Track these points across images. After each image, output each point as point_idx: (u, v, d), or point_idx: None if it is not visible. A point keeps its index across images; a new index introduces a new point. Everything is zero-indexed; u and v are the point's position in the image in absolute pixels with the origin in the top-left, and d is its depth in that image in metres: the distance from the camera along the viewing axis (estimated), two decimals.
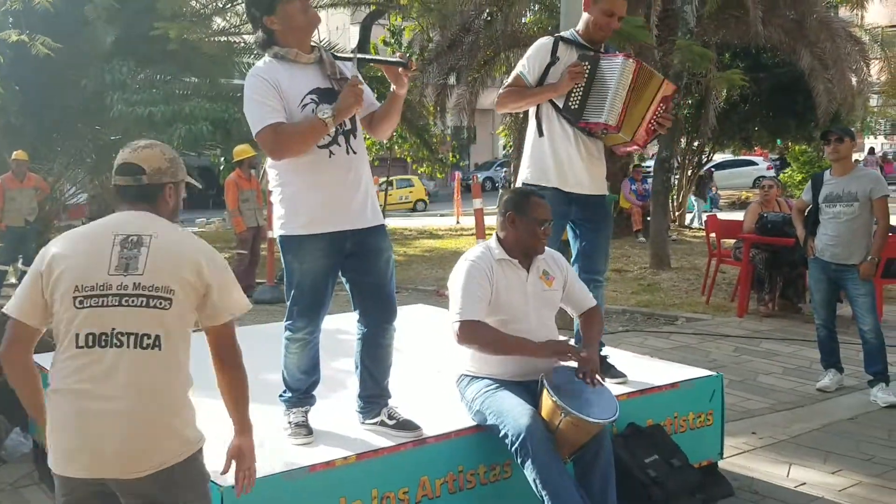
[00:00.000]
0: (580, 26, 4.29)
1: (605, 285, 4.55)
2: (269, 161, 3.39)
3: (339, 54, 3.47)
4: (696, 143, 16.97)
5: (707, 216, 11.14)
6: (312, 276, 3.41)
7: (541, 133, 4.28)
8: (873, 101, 22.58)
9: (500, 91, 4.42)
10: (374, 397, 3.62)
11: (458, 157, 22.01)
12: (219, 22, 14.36)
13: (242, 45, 14.42)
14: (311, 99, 3.25)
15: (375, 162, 21.90)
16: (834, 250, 5.80)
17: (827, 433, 5.14)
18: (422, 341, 5.16)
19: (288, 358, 3.57)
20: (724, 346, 7.20)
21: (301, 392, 3.62)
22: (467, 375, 3.77)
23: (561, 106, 4.18)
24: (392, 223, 20.25)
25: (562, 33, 4.43)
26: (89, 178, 14.42)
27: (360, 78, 3.26)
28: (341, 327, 4.98)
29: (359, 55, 3.42)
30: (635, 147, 4.37)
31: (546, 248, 3.83)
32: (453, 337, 3.64)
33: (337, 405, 3.88)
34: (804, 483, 4.36)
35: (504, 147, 29.96)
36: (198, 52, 12.94)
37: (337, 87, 3.27)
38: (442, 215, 25.47)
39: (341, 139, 3.32)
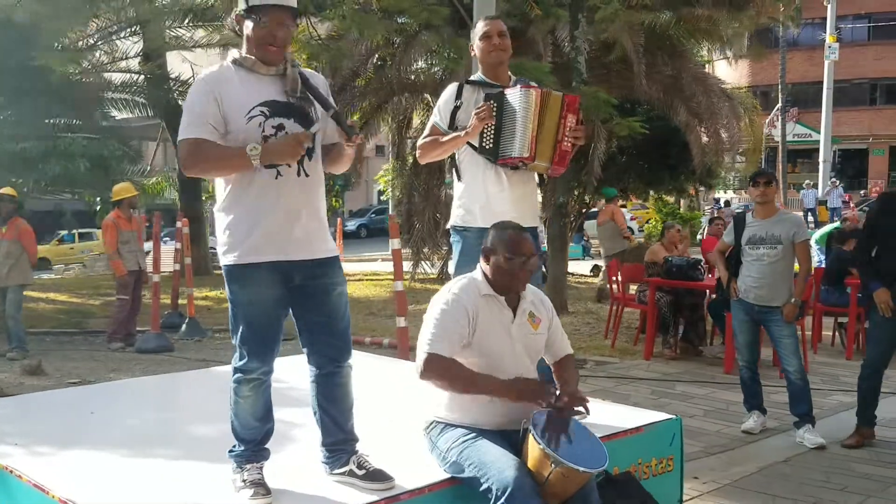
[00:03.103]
0: (480, 67, 4.26)
1: None
2: (217, 182, 3.09)
3: (315, 88, 3.10)
4: (576, 193, 17.20)
5: (611, 261, 11.18)
6: (259, 310, 3.05)
7: (459, 178, 4.24)
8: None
9: (420, 142, 4.30)
10: (339, 444, 3.23)
11: (340, 201, 21.50)
12: (97, 56, 13.55)
13: (114, 80, 13.77)
14: (261, 111, 2.96)
15: None
16: (758, 292, 5.77)
17: (766, 476, 5.03)
18: (367, 389, 4.76)
19: (240, 405, 3.14)
20: (642, 390, 7.08)
21: (255, 444, 3.18)
22: (440, 422, 3.38)
23: (478, 147, 4.08)
24: None
25: (471, 77, 4.34)
26: None
27: (312, 135, 3.01)
28: (280, 375, 4.52)
29: (333, 109, 3.09)
30: (560, 169, 4.19)
31: (531, 287, 3.53)
32: (416, 369, 3.26)
33: (292, 457, 3.46)
34: None
35: (382, 193, 29.79)
36: (74, 86, 12.15)
37: (294, 102, 3.00)
38: None
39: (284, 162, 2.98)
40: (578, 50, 10.41)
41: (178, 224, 10.56)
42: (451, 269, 4.30)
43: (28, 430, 4.03)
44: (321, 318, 3.14)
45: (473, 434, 3.25)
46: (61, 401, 4.93)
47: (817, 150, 32.23)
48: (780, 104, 34.02)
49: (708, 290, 8.39)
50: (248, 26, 3.00)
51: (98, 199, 13.53)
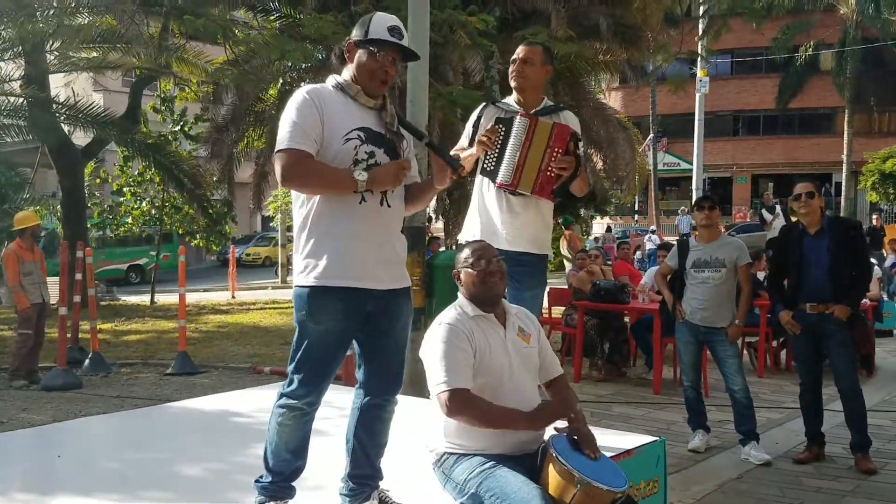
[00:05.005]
0: None
1: None
2: (299, 201, 3.00)
3: (410, 124, 3.23)
4: None
5: None
6: (325, 338, 2.95)
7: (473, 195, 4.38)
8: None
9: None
10: (365, 478, 3.14)
11: (233, 229, 20.91)
12: None
13: (9, 103, 12.95)
14: (358, 135, 2.93)
15: (144, 233, 20.36)
16: (703, 314, 5.93)
17: (726, 494, 5.13)
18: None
19: (278, 432, 3.01)
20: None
21: (283, 478, 3.05)
22: (453, 454, 3.25)
23: (482, 168, 4.21)
24: (161, 299, 18.79)
25: (504, 99, 4.43)
26: None
27: (414, 160, 3.11)
28: None
29: (429, 139, 3.22)
30: (541, 195, 4.17)
31: (515, 305, 3.52)
32: (441, 408, 3.15)
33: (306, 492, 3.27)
34: None
35: (271, 220, 29.20)
36: None
37: (388, 136, 3.01)
38: (206, 290, 24.11)
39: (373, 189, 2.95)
40: (493, 79, 10.50)
41: (80, 253, 9.98)
42: None
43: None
44: (387, 346, 3.13)
45: (491, 463, 3.15)
46: (19, 444, 4.55)
47: (685, 178, 33.74)
48: (651, 135, 35.47)
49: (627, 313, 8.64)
50: (362, 56, 3.01)
51: None
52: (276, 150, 2.90)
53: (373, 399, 3.14)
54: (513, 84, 4.25)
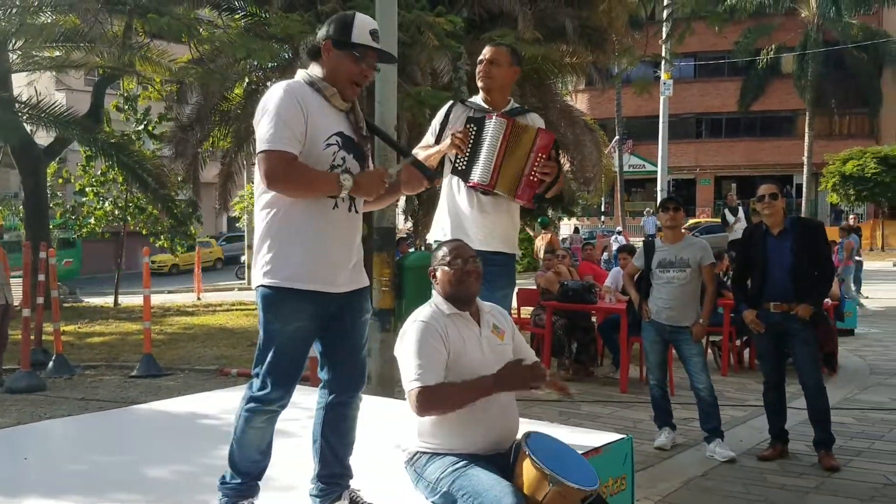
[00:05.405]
0: None
1: None
2: (264, 200, 2.94)
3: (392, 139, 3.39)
4: None
5: None
6: (295, 339, 2.93)
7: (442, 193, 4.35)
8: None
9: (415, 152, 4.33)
10: (335, 477, 3.12)
11: (199, 229, 20.70)
12: None
13: None
14: (336, 140, 2.90)
15: (106, 235, 20.09)
16: (669, 313, 5.99)
17: (692, 491, 5.18)
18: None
19: (249, 434, 2.97)
20: (550, 411, 7.14)
21: (252, 478, 3.02)
22: (425, 453, 3.26)
23: (453, 167, 4.17)
24: (125, 300, 18.57)
25: (469, 98, 4.43)
26: None
27: (392, 172, 3.10)
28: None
29: (413, 158, 3.23)
30: (522, 199, 4.20)
31: (489, 303, 3.54)
32: (411, 405, 3.16)
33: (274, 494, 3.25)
34: None
35: (237, 221, 28.96)
36: None
37: (357, 140, 2.99)
38: (170, 292, 23.87)
39: (347, 195, 2.95)
40: (461, 80, 10.51)
41: (43, 254, 9.83)
42: None
43: None
44: (348, 344, 3.11)
45: (464, 462, 3.16)
46: None
47: (650, 179, 34.08)
48: (617, 137, 35.75)
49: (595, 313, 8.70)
50: (344, 59, 2.95)
51: None
52: (260, 148, 2.82)
53: (338, 397, 3.12)
54: (480, 84, 4.24)
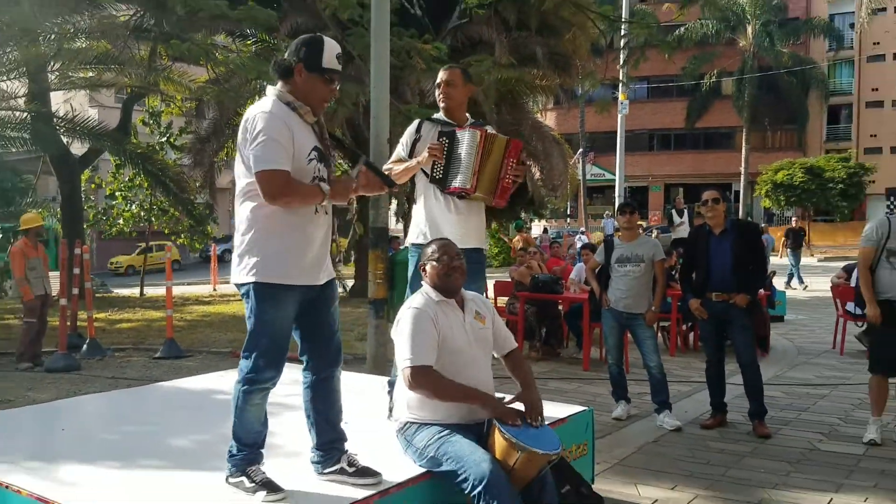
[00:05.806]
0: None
1: None
2: (249, 199, 2.89)
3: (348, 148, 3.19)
4: None
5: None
6: (284, 326, 2.95)
7: (415, 201, 4.27)
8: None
9: (385, 166, 4.25)
10: (332, 442, 3.11)
11: (215, 229, 20.59)
12: None
13: (15, 117, 12.58)
14: (315, 154, 2.91)
15: (133, 233, 19.94)
16: (626, 301, 6.02)
17: (645, 455, 5.21)
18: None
19: (249, 411, 2.96)
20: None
21: (256, 447, 3.02)
22: (413, 423, 3.30)
23: (429, 176, 4.11)
24: (149, 291, 18.44)
25: (433, 115, 4.34)
26: None
27: (357, 178, 3.06)
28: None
29: (366, 160, 3.16)
30: (501, 202, 4.18)
31: (471, 292, 3.58)
32: (404, 381, 3.21)
33: (278, 462, 3.24)
34: (657, 500, 4.31)
35: None
36: None
37: (324, 149, 2.98)
38: (189, 283, 23.70)
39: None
40: None
41: (77, 251, 9.75)
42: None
43: (4, 447, 3.63)
44: (326, 328, 3.10)
45: (447, 431, 3.20)
46: (27, 419, 4.44)
47: (609, 186, 34.13)
48: (581, 149, 35.80)
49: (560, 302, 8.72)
50: (315, 82, 2.91)
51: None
52: (259, 168, 2.77)
53: (321, 374, 3.11)
54: (441, 105, 4.16)
